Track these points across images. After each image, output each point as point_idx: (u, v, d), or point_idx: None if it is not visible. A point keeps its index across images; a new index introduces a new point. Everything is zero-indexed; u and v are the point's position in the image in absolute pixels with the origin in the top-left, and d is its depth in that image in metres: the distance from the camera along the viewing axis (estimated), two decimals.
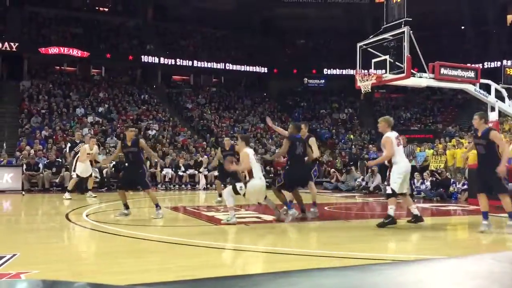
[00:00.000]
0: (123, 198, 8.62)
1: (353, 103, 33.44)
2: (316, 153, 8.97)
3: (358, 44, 13.76)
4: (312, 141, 8.91)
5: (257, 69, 32.85)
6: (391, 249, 6.23)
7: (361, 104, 33.22)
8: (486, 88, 13.96)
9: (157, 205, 8.45)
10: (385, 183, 8.40)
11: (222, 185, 11.27)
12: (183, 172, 17.88)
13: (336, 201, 13.14)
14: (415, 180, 14.04)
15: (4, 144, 16.96)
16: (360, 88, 13.75)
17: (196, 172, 18.15)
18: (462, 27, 34.45)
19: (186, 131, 24.43)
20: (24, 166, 15.16)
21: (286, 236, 7.11)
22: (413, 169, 12.06)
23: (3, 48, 26.72)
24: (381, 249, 6.04)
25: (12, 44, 26.88)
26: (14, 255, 5.00)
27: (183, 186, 17.69)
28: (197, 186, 17.81)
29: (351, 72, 27.02)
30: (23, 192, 14.08)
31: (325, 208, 10.71)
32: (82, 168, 12.65)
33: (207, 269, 4.70)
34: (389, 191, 7.49)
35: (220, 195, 10.72)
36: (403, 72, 12.49)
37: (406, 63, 12.33)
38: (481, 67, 19.64)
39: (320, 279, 1.03)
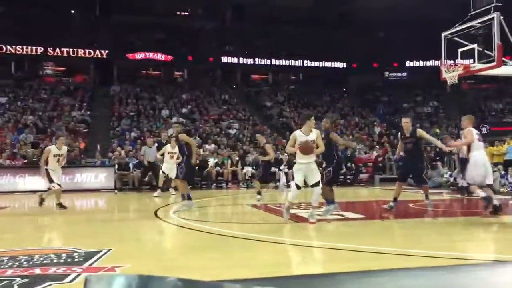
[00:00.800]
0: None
1: (438, 96, 31.94)
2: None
3: (443, 34, 13.14)
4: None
5: (336, 64, 32.39)
6: (482, 249, 5.90)
7: (447, 96, 31.64)
8: None
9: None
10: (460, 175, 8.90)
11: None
12: None
13: (422, 198, 12.63)
14: (509, 175, 13.17)
15: (98, 146, 18.11)
16: (446, 80, 13.14)
17: (277, 169, 18.26)
18: None
19: (266, 130, 24.68)
20: (116, 166, 16.08)
21: (371, 233, 6.96)
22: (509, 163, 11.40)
23: (95, 56, 28.60)
24: (471, 249, 5.73)
25: (102, 51, 28.70)
26: (109, 250, 5.35)
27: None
28: (277, 183, 17.93)
29: (436, 63, 25.83)
30: (116, 191, 14.96)
31: (410, 205, 10.35)
32: (166, 167, 13.18)
33: (291, 267, 4.74)
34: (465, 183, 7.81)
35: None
36: (493, 60, 11.76)
37: (496, 51, 11.60)
38: None
39: (406, 279, 1.02)
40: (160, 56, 29.67)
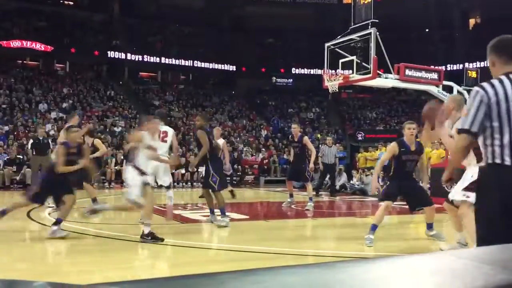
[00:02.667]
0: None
1: (320, 103, 33.77)
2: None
3: (326, 44, 13.91)
4: None
5: (226, 67, 32.74)
6: (357, 247, 6.32)
7: (328, 103, 33.59)
8: (449, 90, 14.35)
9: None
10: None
11: None
12: None
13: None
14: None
15: None
16: (328, 88, 13.91)
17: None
18: (427, 30, 35.29)
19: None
20: None
21: (255, 234, 7.11)
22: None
23: None
24: (348, 247, 6.11)
25: None
26: None
27: None
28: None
29: (319, 71, 27.27)
30: None
31: (293, 206, 10.77)
32: None
33: (171, 268, 4.66)
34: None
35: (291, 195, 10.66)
36: (369, 72, 12.70)
37: (372, 64, 12.54)
38: (444, 69, 20.17)
39: (285, 276, 1.03)
40: (39, 46, 27.53)
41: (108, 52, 29.49)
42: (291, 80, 35.21)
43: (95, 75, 30.60)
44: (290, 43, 36.40)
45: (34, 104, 23.05)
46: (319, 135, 28.24)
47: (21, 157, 15.56)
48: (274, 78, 35.21)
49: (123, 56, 29.76)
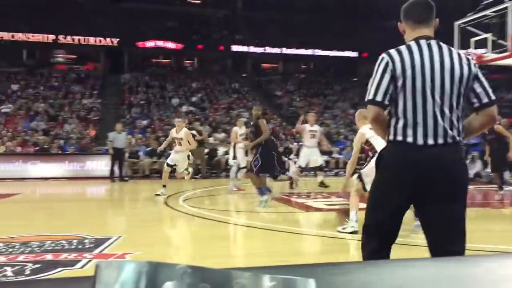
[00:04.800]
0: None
1: None
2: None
3: (456, 23, 12.99)
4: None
5: (347, 54, 32.15)
6: (493, 241, 5.87)
7: None
8: None
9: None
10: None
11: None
12: None
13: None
14: None
15: (108, 134, 18.21)
16: None
17: (286, 159, 18.27)
18: None
19: (276, 119, 24.65)
20: (127, 154, 16.18)
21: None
22: None
23: (106, 44, 28.66)
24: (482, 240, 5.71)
25: (113, 39, 28.75)
26: (119, 237, 5.41)
27: None
28: (287, 173, 17.93)
29: None
30: (127, 178, 15.07)
31: None
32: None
33: (298, 256, 4.76)
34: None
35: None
36: (506, 50, 11.62)
37: (510, 41, 11.46)
38: None
39: (411, 269, 1.02)
40: (170, 45, 29.65)
41: (232, 46, 30.69)
42: None
43: (220, 69, 32.05)
44: None
45: (168, 99, 24.87)
46: None
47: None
48: None
49: (246, 49, 30.78)
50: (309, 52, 31.69)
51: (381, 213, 2.40)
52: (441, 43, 2.42)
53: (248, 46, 30.84)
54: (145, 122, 21.07)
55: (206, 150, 16.47)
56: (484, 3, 12.46)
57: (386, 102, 2.34)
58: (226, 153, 17.58)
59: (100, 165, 16.16)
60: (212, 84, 28.34)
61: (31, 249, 4.69)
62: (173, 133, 10.38)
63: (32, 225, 6.58)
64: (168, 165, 10.39)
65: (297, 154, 17.58)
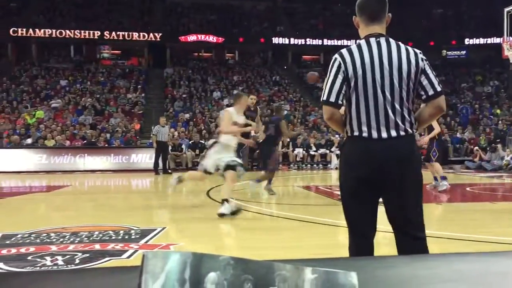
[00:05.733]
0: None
1: (499, 75, 30.41)
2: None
3: (506, 9, 12.47)
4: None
5: None
6: None
7: (509, 75, 30.06)
8: None
9: None
10: None
11: None
12: (314, 151, 18.02)
13: (480, 182, 12.20)
14: None
15: (152, 127, 18.63)
16: (508, 58, 12.51)
17: (328, 151, 18.15)
18: None
19: (317, 111, 24.47)
20: (170, 147, 16.49)
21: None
22: None
23: (149, 39, 29.20)
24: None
25: (156, 34, 29.25)
26: (164, 228, 5.53)
27: (315, 165, 17.85)
28: (328, 165, 17.82)
29: (497, 40, 24.54)
30: (170, 171, 15.38)
31: (467, 188, 10.01)
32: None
33: (340, 248, 4.72)
34: None
35: None
36: None
37: None
38: None
39: (459, 264, 1.00)
40: (211, 38, 29.89)
41: (273, 38, 30.61)
42: (464, 51, 32.35)
43: (261, 62, 32.05)
44: (462, 12, 33.39)
45: (209, 93, 25.12)
46: (498, 111, 25.54)
47: (202, 141, 16.97)
48: (444, 51, 32.74)
49: (286, 41, 30.62)
50: (350, 43, 31.17)
51: (352, 210, 2.53)
52: (391, 40, 2.53)
53: (288, 38, 30.66)
54: (187, 116, 21.38)
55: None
56: None
57: (340, 102, 2.44)
58: None
59: (145, 158, 16.56)
60: (253, 77, 28.39)
61: (80, 239, 4.87)
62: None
63: (81, 215, 6.83)
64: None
65: (338, 147, 17.43)
